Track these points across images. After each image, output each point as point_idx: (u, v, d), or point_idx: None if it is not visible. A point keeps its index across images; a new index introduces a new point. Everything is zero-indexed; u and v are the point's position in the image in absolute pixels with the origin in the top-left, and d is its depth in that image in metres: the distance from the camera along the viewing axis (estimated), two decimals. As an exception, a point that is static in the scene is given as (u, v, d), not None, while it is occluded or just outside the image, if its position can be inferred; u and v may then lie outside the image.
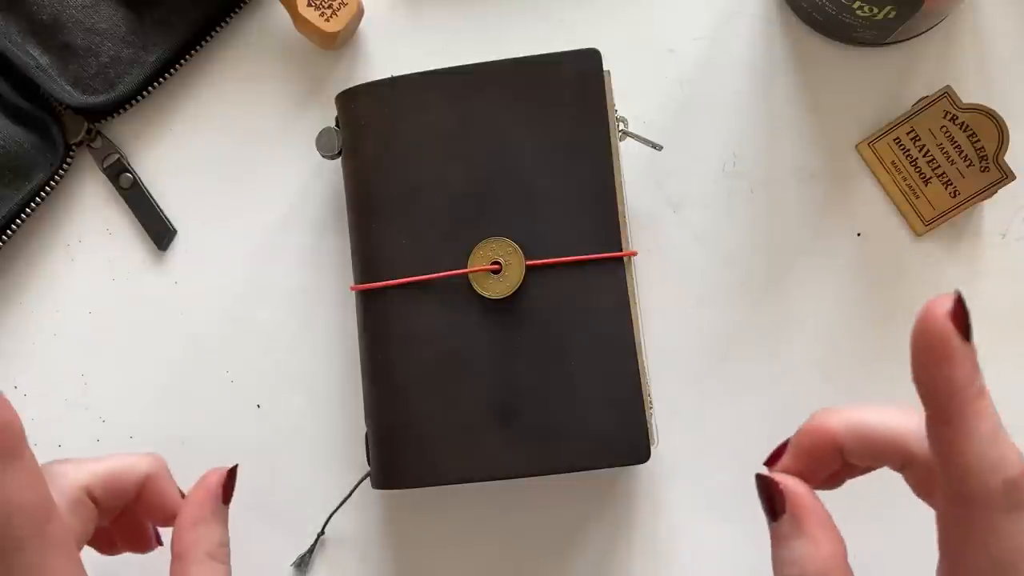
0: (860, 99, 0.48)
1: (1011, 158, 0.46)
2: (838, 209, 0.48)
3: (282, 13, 0.49)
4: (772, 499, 0.35)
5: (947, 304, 0.30)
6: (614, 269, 0.42)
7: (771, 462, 0.36)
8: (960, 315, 0.30)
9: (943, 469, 0.31)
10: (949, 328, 0.30)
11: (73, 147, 0.49)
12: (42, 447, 0.49)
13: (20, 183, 0.48)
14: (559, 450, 0.41)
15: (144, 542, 0.42)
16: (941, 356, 0.30)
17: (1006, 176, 0.46)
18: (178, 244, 0.50)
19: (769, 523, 0.35)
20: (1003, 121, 0.46)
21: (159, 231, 0.49)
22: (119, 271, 0.50)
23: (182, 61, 0.49)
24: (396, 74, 0.44)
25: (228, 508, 0.39)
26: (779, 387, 0.47)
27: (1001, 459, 0.30)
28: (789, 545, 0.34)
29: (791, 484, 0.35)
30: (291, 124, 0.50)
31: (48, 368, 0.49)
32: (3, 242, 0.48)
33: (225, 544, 0.38)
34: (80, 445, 0.49)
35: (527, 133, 0.43)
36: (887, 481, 0.37)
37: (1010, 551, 0.30)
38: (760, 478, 0.35)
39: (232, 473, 0.39)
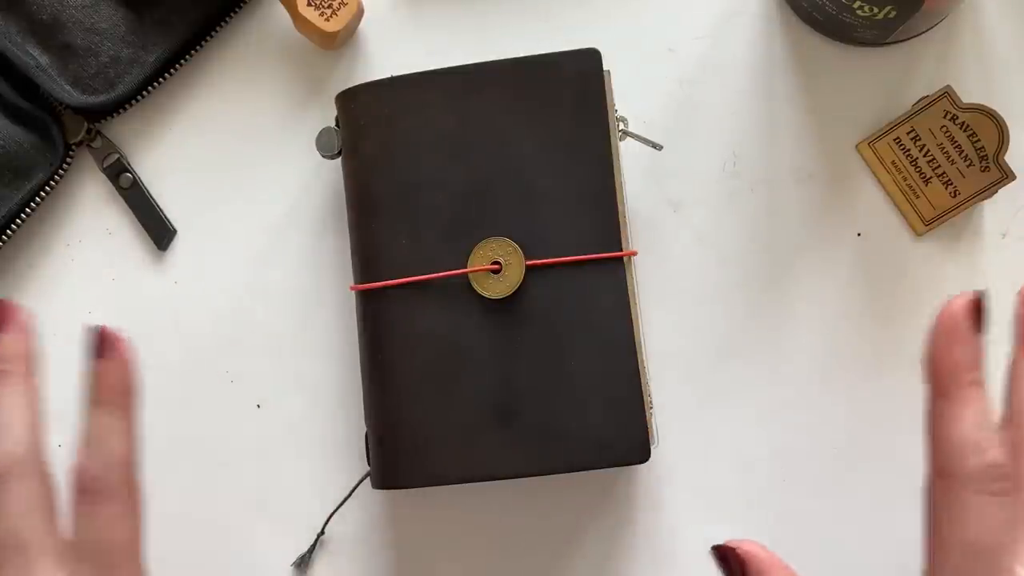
0: (860, 99, 0.48)
1: (1011, 158, 0.46)
2: (838, 209, 0.48)
3: (282, 13, 0.49)
4: (730, 565, 0.37)
5: (968, 297, 0.34)
6: (614, 269, 0.42)
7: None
8: (975, 309, 0.34)
9: (932, 443, 0.33)
10: (962, 315, 0.34)
11: (73, 147, 0.49)
12: (42, 447, 0.49)
13: (20, 183, 0.48)
14: (559, 450, 0.41)
15: None
16: (949, 337, 0.34)
17: (1006, 176, 0.46)
18: (178, 244, 0.50)
19: None
20: (1003, 121, 0.46)
21: (159, 231, 0.49)
22: (119, 271, 0.50)
23: (182, 61, 0.49)
24: (396, 74, 0.44)
25: None
26: (779, 387, 0.47)
27: (982, 444, 0.32)
28: None
29: (747, 547, 0.37)
30: (291, 124, 0.50)
31: (48, 368, 0.49)
32: (3, 242, 0.48)
33: None
34: (80, 445, 0.49)
35: (527, 133, 0.43)
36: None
37: (984, 533, 0.32)
38: (716, 549, 0.37)
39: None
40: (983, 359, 0.34)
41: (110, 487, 0.36)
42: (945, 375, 0.34)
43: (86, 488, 0.35)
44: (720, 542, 0.37)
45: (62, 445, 0.49)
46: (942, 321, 0.34)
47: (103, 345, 0.37)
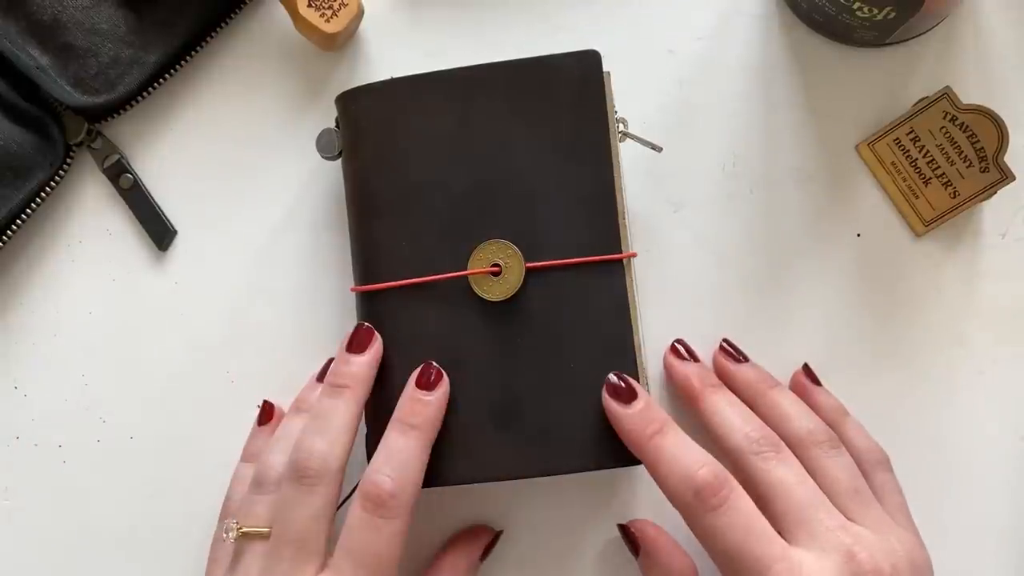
0: (860, 100, 0.48)
1: (1011, 159, 0.46)
2: (838, 209, 0.48)
3: (282, 14, 0.49)
4: (630, 542, 0.45)
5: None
6: (614, 271, 0.42)
7: None
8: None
9: (712, 437, 0.42)
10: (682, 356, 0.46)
11: (73, 148, 0.49)
12: (42, 447, 0.49)
13: (20, 183, 0.48)
14: (559, 451, 0.41)
15: None
16: (680, 365, 0.46)
17: (1006, 176, 0.46)
18: (178, 245, 0.50)
19: (636, 561, 0.45)
20: (1003, 122, 0.46)
21: (159, 232, 0.49)
22: (119, 272, 0.50)
23: (182, 62, 0.49)
24: (396, 75, 0.44)
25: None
26: (779, 387, 0.47)
27: (684, 472, 0.38)
28: (649, 574, 0.44)
29: (640, 526, 0.45)
30: (291, 125, 0.50)
31: (48, 368, 0.49)
32: (3, 242, 0.48)
33: None
34: (80, 445, 0.49)
35: (527, 134, 0.43)
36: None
37: (721, 551, 0.37)
38: (620, 527, 0.45)
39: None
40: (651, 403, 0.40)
41: (401, 506, 0.38)
42: (691, 389, 0.44)
43: (382, 503, 0.38)
44: (623, 523, 0.45)
45: (62, 446, 0.49)
46: (669, 362, 0.46)
47: (425, 377, 0.41)
